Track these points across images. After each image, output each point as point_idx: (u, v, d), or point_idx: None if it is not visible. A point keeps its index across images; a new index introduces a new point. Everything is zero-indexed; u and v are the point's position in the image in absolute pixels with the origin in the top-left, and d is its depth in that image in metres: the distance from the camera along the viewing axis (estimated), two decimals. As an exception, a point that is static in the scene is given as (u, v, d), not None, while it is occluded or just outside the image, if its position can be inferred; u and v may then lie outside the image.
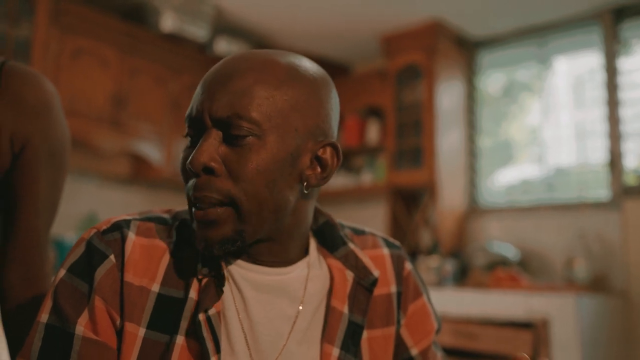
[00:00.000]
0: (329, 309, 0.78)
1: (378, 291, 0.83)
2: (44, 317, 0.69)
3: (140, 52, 3.65)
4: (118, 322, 0.69)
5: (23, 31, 3.09)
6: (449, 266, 3.48)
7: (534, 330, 2.79)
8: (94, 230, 0.73)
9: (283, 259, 0.77)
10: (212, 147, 0.68)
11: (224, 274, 0.72)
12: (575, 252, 3.33)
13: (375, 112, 4.25)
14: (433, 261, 3.52)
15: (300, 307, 0.76)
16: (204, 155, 0.68)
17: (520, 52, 3.91)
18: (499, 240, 3.67)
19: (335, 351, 0.75)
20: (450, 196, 3.79)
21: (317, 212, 0.84)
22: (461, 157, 3.94)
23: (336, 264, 0.81)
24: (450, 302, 3.14)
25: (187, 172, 0.71)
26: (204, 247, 0.70)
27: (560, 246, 3.46)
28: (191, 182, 0.70)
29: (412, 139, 3.86)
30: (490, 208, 3.87)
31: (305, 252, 0.80)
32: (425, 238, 3.81)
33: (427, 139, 3.75)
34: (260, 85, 0.69)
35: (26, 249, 0.97)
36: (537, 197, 3.69)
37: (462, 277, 3.55)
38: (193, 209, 0.70)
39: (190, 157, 0.68)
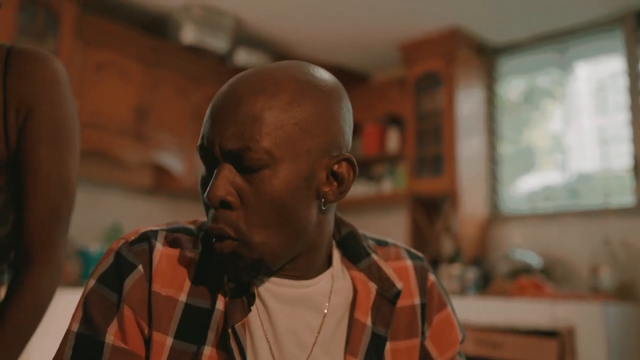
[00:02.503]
0: (352, 321, 0.78)
1: (402, 303, 0.83)
2: (74, 326, 0.71)
3: (162, 64, 3.70)
4: (146, 331, 0.71)
5: (48, 45, 3.16)
6: (471, 274, 3.45)
7: (559, 339, 2.75)
8: (123, 241, 0.74)
9: (307, 272, 0.77)
10: (227, 180, 0.69)
11: (253, 293, 0.73)
12: (600, 259, 3.27)
13: (395, 120, 4.25)
14: (455, 269, 3.49)
15: (324, 319, 0.77)
16: (220, 190, 0.68)
17: (541, 58, 3.88)
18: (522, 248, 3.63)
19: None
20: (471, 203, 3.77)
21: (340, 223, 0.84)
22: (482, 164, 3.92)
23: (359, 275, 0.81)
24: (472, 310, 3.12)
25: (207, 206, 0.73)
26: (232, 276, 0.72)
27: (585, 253, 3.41)
28: (210, 212, 0.71)
29: (432, 146, 3.85)
30: (513, 215, 3.84)
31: (328, 263, 0.81)
32: (446, 246, 3.79)
33: (447, 146, 3.74)
34: (268, 112, 0.68)
35: (30, 229, 0.94)
36: (560, 204, 3.65)
37: (485, 285, 3.52)
38: (214, 240, 0.71)
39: (207, 192, 0.69)
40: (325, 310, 0.77)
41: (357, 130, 4.44)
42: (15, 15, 3.03)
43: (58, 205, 0.96)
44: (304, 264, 0.76)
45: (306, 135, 0.70)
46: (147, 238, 0.74)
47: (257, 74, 0.72)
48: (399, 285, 0.80)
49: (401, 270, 0.85)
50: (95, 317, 0.70)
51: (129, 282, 0.71)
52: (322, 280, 0.78)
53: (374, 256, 0.82)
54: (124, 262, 0.72)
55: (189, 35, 3.68)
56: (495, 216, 3.91)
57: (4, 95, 0.91)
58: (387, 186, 4.20)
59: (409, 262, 0.87)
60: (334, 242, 0.83)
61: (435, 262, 3.75)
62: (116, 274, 0.72)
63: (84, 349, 0.69)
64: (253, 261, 0.70)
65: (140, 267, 0.72)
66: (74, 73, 3.25)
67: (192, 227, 0.80)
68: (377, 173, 4.39)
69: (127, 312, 0.70)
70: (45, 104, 0.93)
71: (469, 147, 3.81)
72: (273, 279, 0.76)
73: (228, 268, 0.71)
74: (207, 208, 0.72)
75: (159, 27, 3.84)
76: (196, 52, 3.81)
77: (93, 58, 3.39)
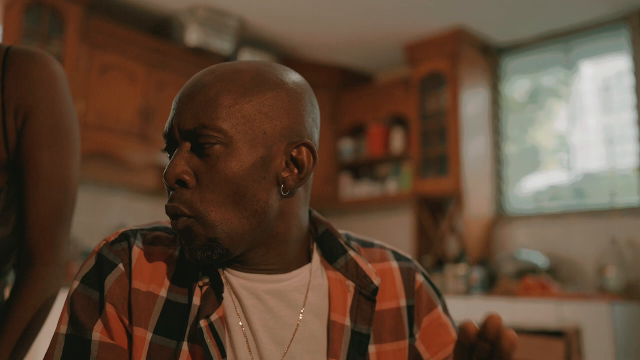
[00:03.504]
0: (329, 323, 0.77)
1: (387, 305, 0.81)
2: (62, 328, 0.72)
3: (167, 66, 3.71)
4: (129, 327, 0.72)
5: (54, 48, 3.18)
6: (477, 274, 3.44)
7: (566, 339, 2.74)
8: (104, 242, 0.76)
9: (281, 265, 0.77)
10: (184, 160, 0.71)
11: (221, 282, 0.73)
12: (607, 259, 3.26)
13: (399, 121, 4.25)
14: (460, 270, 3.48)
15: (301, 316, 0.76)
16: (176, 169, 0.70)
17: (546, 57, 3.87)
18: (527, 248, 3.62)
19: None
20: (476, 204, 3.76)
21: (317, 222, 0.83)
22: (487, 165, 3.91)
23: (335, 275, 0.80)
24: (478, 310, 3.11)
25: (167, 189, 0.74)
26: (188, 255, 0.72)
27: (591, 253, 3.40)
28: (170, 195, 0.73)
29: (437, 147, 3.84)
30: (518, 215, 3.83)
31: (308, 259, 0.80)
32: (452, 246, 3.78)
33: (452, 146, 3.73)
34: (225, 95, 0.71)
35: (32, 230, 0.94)
36: (566, 204, 3.64)
37: (490, 285, 3.51)
38: (172, 223, 0.73)
39: (165, 171, 0.71)
40: (303, 308, 0.76)
41: (361, 130, 4.45)
42: (20, 19, 3.05)
43: (60, 205, 0.96)
44: (274, 258, 0.76)
45: (263, 117, 0.71)
46: (126, 237, 0.75)
47: (221, 66, 0.76)
48: (377, 281, 0.79)
49: (386, 272, 0.83)
50: (81, 316, 0.71)
51: (110, 280, 0.72)
52: (299, 276, 0.77)
53: (351, 252, 0.81)
54: (105, 262, 0.73)
55: (193, 37, 3.69)
56: (501, 216, 3.90)
57: (2, 97, 0.91)
58: (392, 187, 4.19)
59: (394, 264, 0.85)
60: (313, 241, 0.82)
61: (441, 263, 3.74)
62: (97, 274, 0.73)
63: (73, 349, 0.70)
64: (207, 240, 0.70)
65: (120, 265, 0.73)
66: (79, 76, 3.27)
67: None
68: (381, 174, 4.39)
69: (109, 309, 0.71)
70: (44, 106, 0.93)
71: (474, 147, 3.80)
72: (247, 275, 0.75)
73: (186, 246, 0.72)
74: (168, 191, 0.74)
75: (163, 29, 3.85)
76: (201, 53, 3.82)
77: (98, 60, 3.40)
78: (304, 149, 0.74)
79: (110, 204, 3.79)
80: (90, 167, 3.54)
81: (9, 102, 0.91)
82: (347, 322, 0.77)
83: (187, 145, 0.71)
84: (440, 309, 0.86)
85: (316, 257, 0.81)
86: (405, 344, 0.81)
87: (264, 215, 0.72)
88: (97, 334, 0.70)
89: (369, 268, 0.80)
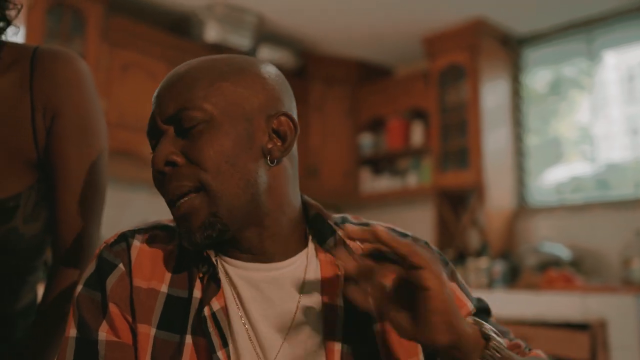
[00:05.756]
0: (323, 306, 0.78)
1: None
2: (71, 332, 0.74)
3: (186, 64, 3.74)
4: (132, 324, 0.73)
5: (75, 47, 3.22)
6: (499, 267, 3.42)
7: (591, 331, 2.72)
8: (104, 245, 0.78)
9: (277, 250, 0.78)
10: (169, 144, 0.72)
11: (214, 264, 0.75)
12: (632, 250, 3.21)
13: (419, 114, 4.23)
14: (482, 263, 3.46)
15: (299, 302, 0.77)
16: (163, 152, 0.72)
17: (567, 47, 3.82)
18: (550, 240, 3.58)
19: (338, 345, 0.75)
20: (498, 196, 3.73)
21: (308, 206, 0.84)
22: (508, 157, 3.88)
23: (325, 257, 0.80)
24: (501, 304, 3.08)
25: (158, 179, 0.74)
26: (187, 240, 0.73)
27: (616, 245, 3.35)
28: (163, 185, 0.74)
29: (457, 139, 3.82)
30: (540, 207, 3.79)
31: (305, 245, 0.81)
32: (473, 239, 3.76)
33: (473, 139, 3.71)
34: (201, 78, 0.74)
35: (64, 228, 0.95)
36: (589, 195, 3.59)
37: (513, 278, 3.49)
38: (172, 210, 0.74)
39: (152, 159, 0.72)
40: (300, 294, 0.77)
41: (381, 124, 4.43)
42: (43, 19, 3.09)
43: (89, 203, 0.97)
44: (269, 240, 0.77)
45: (240, 94, 0.74)
46: (125, 238, 0.78)
47: (195, 59, 0.78)
48: None
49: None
50: (87, 318, 0.73)
51: (111, 280, 0.74)
52: (295, 263, 0.78)
53: (340, 232, 0.81)
54: (105, 263, 0.75)
55: (212, 33, 3.71)
56: (523, 208, 3.86)
57: (31, 97, 0.92)
58: (412, 180, 4.18)
59: None
60: (307, 227, 0.82)
61: (462, 256, 3.72)
62: (98, 275, 0.75)
63: (82, 351, 0.72)
64: (210, 214, 0.72)
65: (120, 265, 0.75)
66: (100, 74, 3.30)
67: (171, 224, 0.82)
68: (402, 167, 4.38)
69: (112, 308, 0.73)
70: (70, 104, 0.94)
71: (494, 139, 3.77)
72: (244, 264, 0.77)
73: (184, 230, 0.73)
74: (159, 182, 0.74)
75: (182, 26, 3.88)
76: (220, 50, 3.84)
77: (119, 59, 3.44)
78: (283, 119, 0.76)
79: (131, 200, 3.83)
80: (112, 165, 3.55)
81: (37, 102, 0.92)
82: (340, 302, 0.77)
83: (171, 130, 0.73)
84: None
85: (310, 242, 0.82)
86: None
87: (255, 186, 0.74)
88: (103, 333, 0.72)
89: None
